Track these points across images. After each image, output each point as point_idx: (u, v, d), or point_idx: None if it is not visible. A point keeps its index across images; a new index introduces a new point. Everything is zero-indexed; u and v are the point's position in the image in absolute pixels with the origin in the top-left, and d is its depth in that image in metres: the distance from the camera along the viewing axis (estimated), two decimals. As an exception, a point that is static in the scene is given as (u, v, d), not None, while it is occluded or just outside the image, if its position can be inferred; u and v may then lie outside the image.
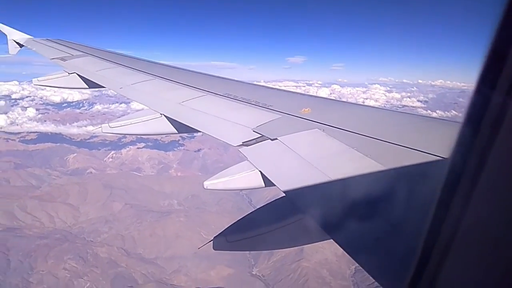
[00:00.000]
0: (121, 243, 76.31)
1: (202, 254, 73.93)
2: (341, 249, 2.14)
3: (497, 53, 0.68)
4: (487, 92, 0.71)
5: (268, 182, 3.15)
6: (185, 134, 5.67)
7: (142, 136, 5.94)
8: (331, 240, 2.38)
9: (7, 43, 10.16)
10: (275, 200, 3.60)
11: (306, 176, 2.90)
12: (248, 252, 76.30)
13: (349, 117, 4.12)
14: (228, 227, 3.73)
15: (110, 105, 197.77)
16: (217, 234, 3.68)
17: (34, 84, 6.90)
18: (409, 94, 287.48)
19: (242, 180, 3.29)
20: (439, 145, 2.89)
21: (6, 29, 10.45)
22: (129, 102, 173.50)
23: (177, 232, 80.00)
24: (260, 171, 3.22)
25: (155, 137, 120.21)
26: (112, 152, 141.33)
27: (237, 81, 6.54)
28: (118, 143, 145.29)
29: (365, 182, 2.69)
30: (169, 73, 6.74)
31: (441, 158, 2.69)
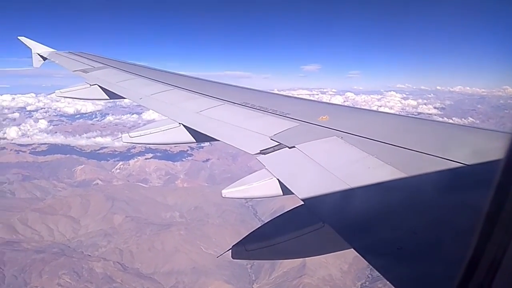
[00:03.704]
0: (118, 257, 74.46)
1: (201, 269, 71.69)
2: (347, 265, 1.98)
3: None
4: None
5: (286, 190, 3.14)
6: (194, 144, 5.59)
7: (159, 145, 5.61)
8: (340, 252, 2.77)
9: (31, 57, 10.54)
10: (294, 208, 3.52)
11: (325, 184, 2.89)
12: (249, 267, 73.98)
13: (368, 124, 4.08)
14: (247, 235, 3.67)
15: (122, 116, 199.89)
16: (236, 242, 3.61)
17: (57, 96, 7.18)
18: (425, 101, 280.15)
19: (260, 188, 3.27)
20: (460, 152, 2.93)
21: (30, 43, 10.88)
22: (141, 113, 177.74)
23: (176, 246, 77.69)
24: (278, 179, 3.21)
25: (164, 147, 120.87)
26: (120, 163, 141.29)
27: (254, 89, 6.57)
28: (127, 153, 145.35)
29: (387, 190, 2.68)
30: (187, 83, 6.86)
31: (463, 165, 2.71)
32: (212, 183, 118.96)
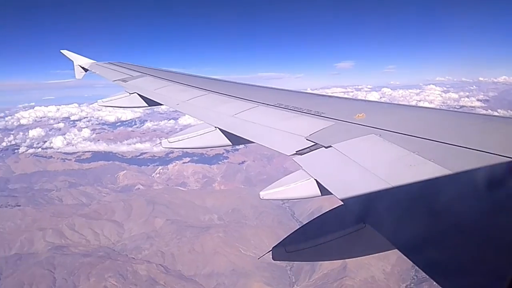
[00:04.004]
0: (161, 259, 76.62)
1: (240, 271, 72.30)
2: (390, 266, 1.91)
3: None
4: None
5: (324, 191, 3.10)
6: (229, 147, 5.58)
7: (196, 149, 5.92)
8: (382, 253, 2.73)
9: (74, 69, 10.91)
10: (333, 208, 3.52)
11: (364, 183, 2.82)
12: (288, 268, 73.78)
13: (407, 120, 3.97)
14: (287, 237, 3.65)
15: (160, 122, 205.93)
16: (276, 244, 3.60)
17: (99, 105, 7.36)
18: (467, 93, 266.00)
19: (297, 189, 3.23)
20: (508, 146, 2.80)
21: (72, 55, 11.27)
22: (177, 118, 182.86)
23: (215, 248, 78.73)
24: (315, 179, 3.17)
25: (201, 151, 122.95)
26: (160, 167, 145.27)
27: (288, 90, 6.54)
28: (166, 158, 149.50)
29: (430, 188, 2.59)
30: (221, 87, 6.92)
31: (510, 159, 2.59)
32: (249, 185, 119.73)
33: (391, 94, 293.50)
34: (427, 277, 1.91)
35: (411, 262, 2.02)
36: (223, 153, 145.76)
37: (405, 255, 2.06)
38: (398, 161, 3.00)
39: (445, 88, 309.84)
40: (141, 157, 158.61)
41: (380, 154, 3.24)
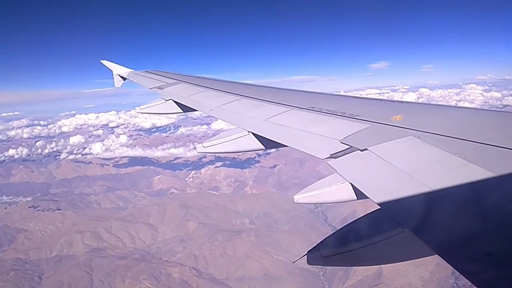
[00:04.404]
0: (193, 263, 77.49)
1: (272, 275, 71.79)
2: (428, 273, 1.93)
3: None
4: None
5: (360, 195, 3.02)
6: (261, 151, 5.61)
7: (229, 153, 5.66)
8: (420, 260, 2.63)
9: (113, 78, 11.32)
10: (370, 212, 3.43)
11: (402, 186, 2.74)
12: (321, 274, 72.46)
13: (447, 121, 3.86)
14: (322, 241, 3.59)
15: (193, 127, 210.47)
16: (311, 248, 3.53)
17: (137, 112, 7.57)
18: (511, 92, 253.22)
19: (332, 193, 3.18)
20: None
21: (111, 65, 11.75)
22: (210, 123, 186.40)
23: (247, 252, 78.61)
24: (350, 183, 3.09)
25: (233, 155, 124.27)
26: (193, 172, 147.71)
27: (320, 93, 6.46)
28: (199, 163, 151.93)
29: (473, 191, 2.50)
30: (254, 92, 6.96)
31: None
32: (280, 189, 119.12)
33: (429, 95, 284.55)
34: (469, 284, 1.85)
35: (450, 269, 1.81)
36: (255, 157, 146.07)
37: (447, 261, 2.01)
38: (438, 163, 2.92)
39: (487, 87, 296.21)
40: (175, 161, 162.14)
41: (419, 156, 3.16)
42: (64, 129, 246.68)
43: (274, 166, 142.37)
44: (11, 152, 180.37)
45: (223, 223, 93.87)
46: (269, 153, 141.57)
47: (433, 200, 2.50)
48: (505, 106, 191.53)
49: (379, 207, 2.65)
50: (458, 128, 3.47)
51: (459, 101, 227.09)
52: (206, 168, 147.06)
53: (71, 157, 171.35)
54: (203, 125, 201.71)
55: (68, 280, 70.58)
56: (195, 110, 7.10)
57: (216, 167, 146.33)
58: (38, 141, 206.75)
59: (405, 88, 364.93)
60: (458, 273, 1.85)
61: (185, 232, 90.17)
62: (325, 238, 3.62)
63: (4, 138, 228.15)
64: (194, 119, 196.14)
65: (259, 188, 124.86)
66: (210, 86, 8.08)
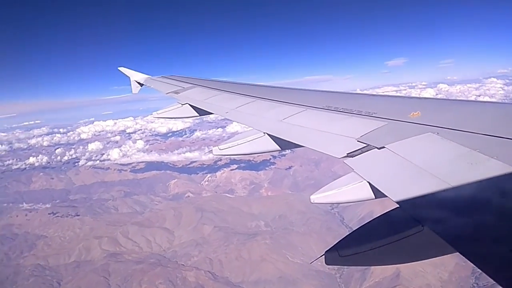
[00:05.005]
0: (209, 266, 77.38)
1: (288, 278, 71.07)
2: (447, 273, 1.92)
3: None
4: None
5: (378, 193, 3.00)
6: (276, 153, 5.77)
7: (245, 155, 5.79)
8: (438, 260, 3.08)
9: (130, 84, 11.49)
10: (389, 211, 3.38)
11: (422, 184, 2.71)
12: (338, 276, 71.31)
13: (467, 116, 3.76)
14: (340, 240, 3.55)
15: (208, 131, 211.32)
16: (329, 247, 3.50)
17: (154, 117, 7.69)
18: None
19: (349, 192, 3.15)
20: None
21: (128, 72, 11.95)
22: (225, 126, 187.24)
23: (262, 255, 77.98)
24: (368, 182, 3.08)
25: (248, 157, 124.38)
26: (208, 175, 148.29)
27: (336, 92, 6.42)
28: (214, 166, 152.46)
29: (495, 186, 2.47)
30: (268, 93, 7.01)
31: None
32: (296, 191, 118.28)
33: (448, 90, 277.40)
34: (489, 284, 1.79)
35: (470, 269, 1.81)
36: (270, 159, 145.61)
37: (469, 259, 2.00)
38: (458, 159, 2.85)
39: (507, 81, 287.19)
40: (191, 165, 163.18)
41: (438, 153, 3.09)
42: (83, 136, 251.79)
43: (290, 168, 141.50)
44: (32, 160, 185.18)
45: (238, 226, 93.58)
46: (284, 155, 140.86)
47: (453, 197, 2.46)
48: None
49: (397, 206, 2.64)
50: (477, 123, 3.38)
51: (479, 95, 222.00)
52: (222, 171, 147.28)
53: (89, 163, 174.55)
54: (218, 128, 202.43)
55: (86, 285, 71.47)
56: (211, 113, 7.18)
57: (231, 169, 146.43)
58: (58, 148, 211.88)
59: (423, 85, 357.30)
60: (479, 273, 1.76)
61: (201, 235, 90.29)
62: (343, 238, 3.57)
63: (25, 147, 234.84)
64: (209, 122, 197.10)
65: (274, 190, 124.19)
66: (225, 89, 8.12)
